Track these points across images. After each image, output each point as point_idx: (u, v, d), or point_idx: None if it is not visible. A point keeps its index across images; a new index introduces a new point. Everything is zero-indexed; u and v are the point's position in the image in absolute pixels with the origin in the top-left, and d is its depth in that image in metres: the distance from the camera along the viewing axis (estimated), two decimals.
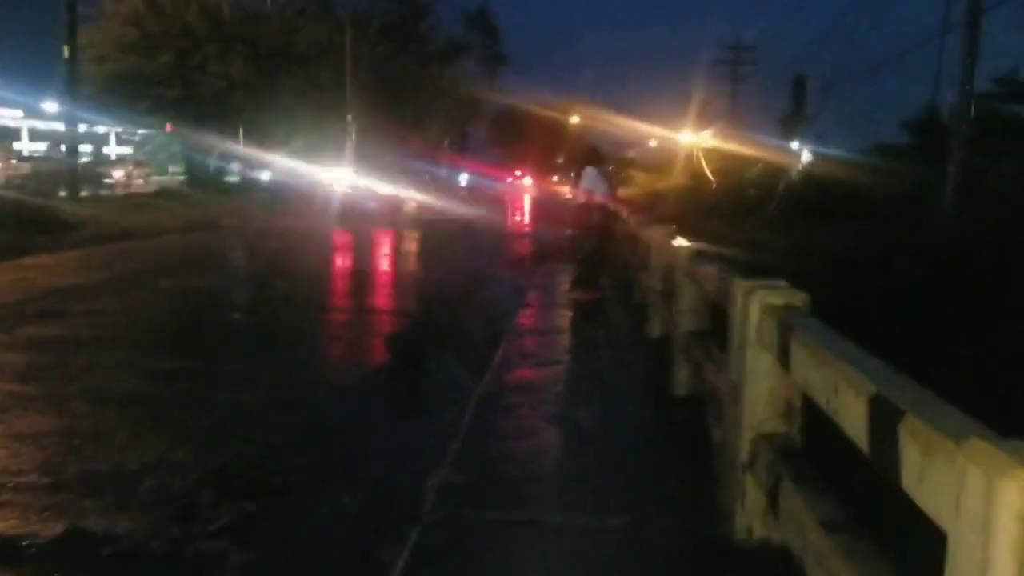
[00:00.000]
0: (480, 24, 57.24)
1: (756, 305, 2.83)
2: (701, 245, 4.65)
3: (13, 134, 60.38)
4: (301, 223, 21.29)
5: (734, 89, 50.65)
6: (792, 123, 53.66)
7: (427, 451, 3.96)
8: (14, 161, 32.32)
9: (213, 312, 8.53)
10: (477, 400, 4.81)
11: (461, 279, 11.20)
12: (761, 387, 2.81)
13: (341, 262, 13.96)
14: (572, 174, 10.10)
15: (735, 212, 22.79)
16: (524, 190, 59.98)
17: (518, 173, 76.87)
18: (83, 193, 20.71)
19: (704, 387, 4.00)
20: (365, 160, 48.08)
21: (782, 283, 2.93)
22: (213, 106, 25.25)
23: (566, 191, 9.26)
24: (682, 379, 4.77)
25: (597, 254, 9.17)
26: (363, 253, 15.41)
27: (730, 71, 51.03)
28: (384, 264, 13.82)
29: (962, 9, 17.17)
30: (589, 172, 9.27)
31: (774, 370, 2.73)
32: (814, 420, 2.59)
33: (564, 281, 9.86)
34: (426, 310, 8.69)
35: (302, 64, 27.95)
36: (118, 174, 26.53)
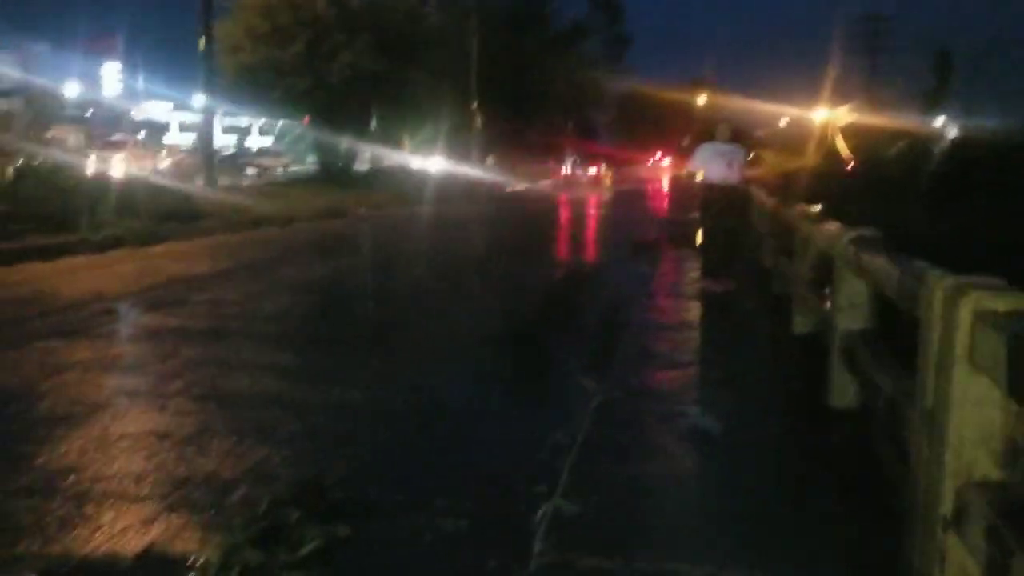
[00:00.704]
0: (603, 4, 56.08)
1: (967, 311, 2.16)
2: (864, 230, 3.91)
3: (164, 127, 64.14)
4: (424, 210, 21.27)
5: (871, 62, 47.60)
6: (936, 96, 50.02)
7: (539, 468, 3.46)
8: (163, 152, 34.15)
9: (331, 303, 8.35)
10: (595, 407, 4.27)
11: (583, 266, 10.65)
12: (973, 418, 2.14)
13: (458, 249, 13.64)
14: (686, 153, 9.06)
15: (877, 192, 21.17)
16: (662, 172, 58.62)
17: (659, 155, 75.19)
18: (221, 182, 21.37)
19: (875, 402, 3.30)
20: (490, 148, 48.20)
21: (999, 282, 2.25)
22: (342, 95, 25.56)
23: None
24: (842, 389, 4.06)
25: (728, 239, 8.36)
26: (484, 242, 15.08)
27: (867, 43, 48.00)
28: (499, 253, 13.42)
29: None
30: (704, 149, 8.36)
31: (995, 399, 2.06)
32: None
33: (693, 268, 9.13)
34: (544, 300, 8.21)
35: (428, 51, 27.93)
36: (164, 164, 26.90)
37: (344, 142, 28.24)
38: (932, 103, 45.60)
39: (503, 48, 44.88)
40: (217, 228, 14.45)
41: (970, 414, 2.16)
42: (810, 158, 40.50)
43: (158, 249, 11.49)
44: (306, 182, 26.99)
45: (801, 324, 5.84)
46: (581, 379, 4.91)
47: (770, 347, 5.65)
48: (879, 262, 3.27)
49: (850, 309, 3.99)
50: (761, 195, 9.95)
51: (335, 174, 27.07)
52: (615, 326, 6.34)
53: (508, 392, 5.00)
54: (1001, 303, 2.13)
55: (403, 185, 26.34)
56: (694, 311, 7.05)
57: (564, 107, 58.30)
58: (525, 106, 52.40)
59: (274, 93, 25.04)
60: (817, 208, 5.69)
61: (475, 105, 40.47)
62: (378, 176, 28.42)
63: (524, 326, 6.85)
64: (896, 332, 3.83)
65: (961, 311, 2.19)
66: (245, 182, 28.45)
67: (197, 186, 19.63)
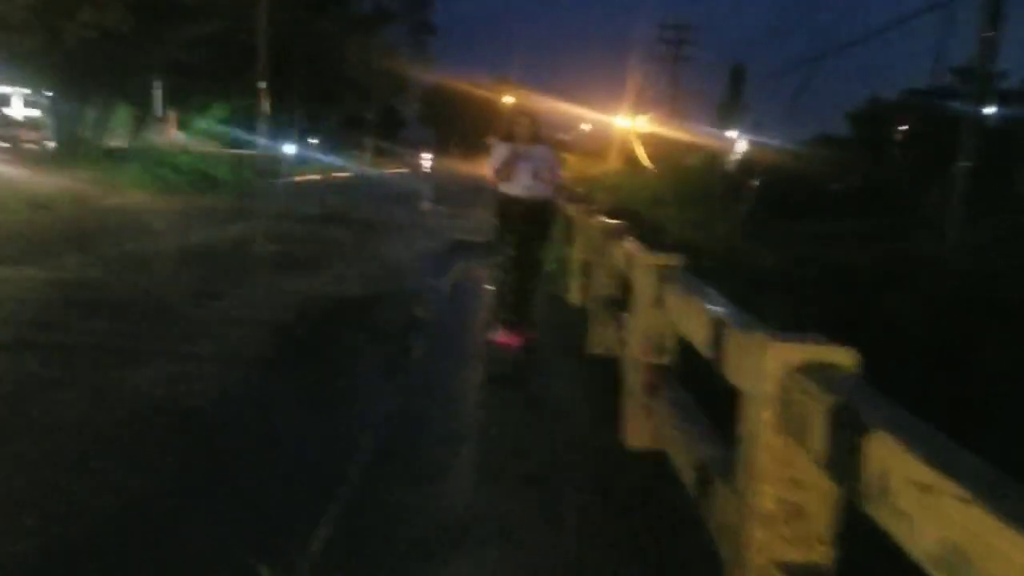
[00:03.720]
0: None
1: None
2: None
3: None
4: (177, 201, 17.79)
5: (674, 72, 48.65)
6: (730, 109, 51.98)
7: None
8: None
9: None
10: None
11: (329, 300, 8.15)
12: None
13: (195, 260, 10.56)
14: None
15: (687, 204, 20.43)
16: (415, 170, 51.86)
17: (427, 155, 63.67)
18: None
19: None
20: (281, 131, 44.22)
21: None
22: (85, 60, 21.29)
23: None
24: None
25: (532, 272, 6.14)
26: (229, 251, 12.10)
27: (670, 53, 48.98)
28: (237, 266, 10.61)
29: None
30: (501, 151, 5.87)
31: None
32: None
33: (480, 307, 6.93)
34: (269, 366, 5.65)
35: (198, 19, 24.12)
36: None
37: (91, 114, 23.90)
38: (725, 116, 47.27)
39: (297, 26, 41.21)
40: None
41: None
42: (612, 163, 40.50)
43: None
44: (43, 160, 22.48)
45: (638, 435, 3.74)
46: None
47: (597, 475, 3.49)
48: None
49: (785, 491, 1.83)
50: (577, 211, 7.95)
51: (78, 151, 22.65)
52: (344, 441, 3.92)
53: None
54: None
55: (162, 166, 22.44)
56: (478, 390, 4.78)
57: (366, 95, 55.18)
58: (322, 91, 48.85)
59: None
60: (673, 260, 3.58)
61: (263, 85, 36.57)
62: (135, 155, 24.23)
63: (222, 420, 4.28)
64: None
65: None
66: None
67: None
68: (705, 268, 6.04)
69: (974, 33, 13.23)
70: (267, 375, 4.96)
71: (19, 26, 20.69)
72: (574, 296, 7.52)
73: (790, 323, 5.22)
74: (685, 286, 3.06)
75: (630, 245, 4.35)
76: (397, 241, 13.05)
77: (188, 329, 5.86)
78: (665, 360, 3.67)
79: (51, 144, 30.33)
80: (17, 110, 39.40)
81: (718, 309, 2.48)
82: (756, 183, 15.97)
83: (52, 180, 17.20)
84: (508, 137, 5.89)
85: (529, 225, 5.88)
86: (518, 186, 5.81)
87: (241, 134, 38.68)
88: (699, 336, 2.58)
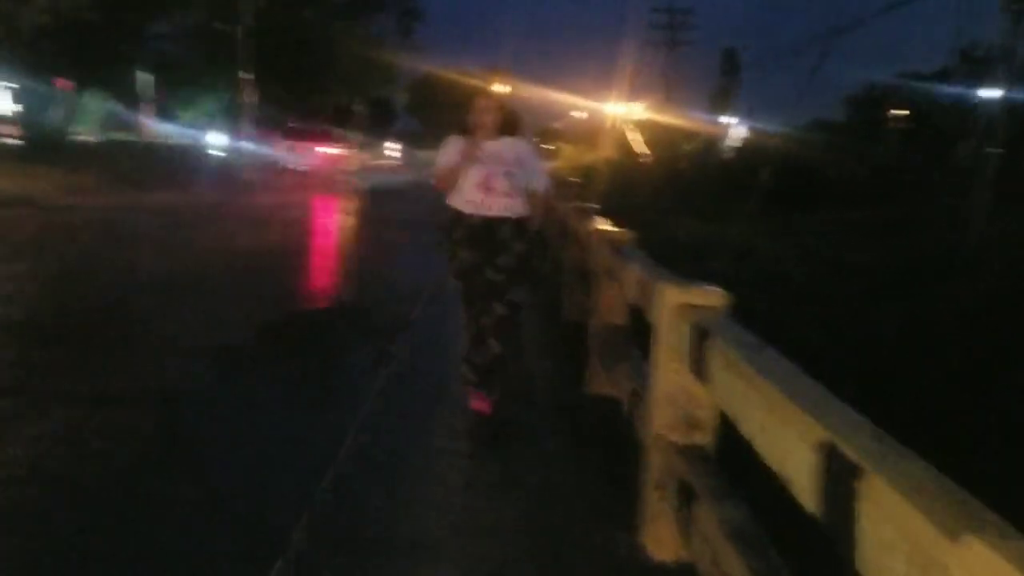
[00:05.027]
0: None
1: None
2: None
3: None
4: (149, 199, 16.66)
5: (669, 58, 47.40)
6: (724, 95, 50.83)
7: None
8: None
9: None
10: None
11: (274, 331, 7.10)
12: None
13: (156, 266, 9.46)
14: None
15: (684, 194, 19.45)
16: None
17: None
18: None
19: None
20: (264, 123, 42.92)
21: None
22: (46, 49, 20.13)
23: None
24: None
25: (503, 318, 4.24)
26: (221, 247, 10.97)
27: (665, 38, 47.73)
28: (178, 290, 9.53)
29: None
30: (451, 148, 4.28)
31: None
32: None
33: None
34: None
35: (169, 7, 22.96)
36: None
37: (59, 106, 22.77)
38: (720, 101, 46.21)
39: (280, 15, 39.94)
40: None
41: None
42: (605, 152, 39.52)
43: None
44: (10, 156, 21.37)
45: (663, 543, 2.67)
46: None
47: None
48: None
49: None
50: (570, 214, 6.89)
51: (44, 145, 21.46)
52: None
53: None
54: None
55: (133, 161, 21.27)
56: (441, 470, 3.67)
57: (350, 85, 53.71)
58: (308, 82, 47.56)
59: None
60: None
61: (241, 74, 35.29)
62: (103, 150, 23.08)
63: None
64: None
65: None
66: None
67: None
68: (728, 278, 4.97)
69: (978, 18, 12.23)
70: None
71: None
72: (569, 312, 6.47)
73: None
74: (744, 351, 1.98)
75: (645, 271, 3.29)
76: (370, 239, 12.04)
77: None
78: (700, 439, 2.61)
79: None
80: (4, 104, 38.05)
81: (834, 426, 1.40)
82: (765, 176, 14.88)
83: (8, 180, 16.05)
84: (464, 130, 4.27)
85: (477, 253, 4.19)
86: (462, 199, 4.23)
87: (222, 127, 37.38)
88: (792, 469, 1.50)
